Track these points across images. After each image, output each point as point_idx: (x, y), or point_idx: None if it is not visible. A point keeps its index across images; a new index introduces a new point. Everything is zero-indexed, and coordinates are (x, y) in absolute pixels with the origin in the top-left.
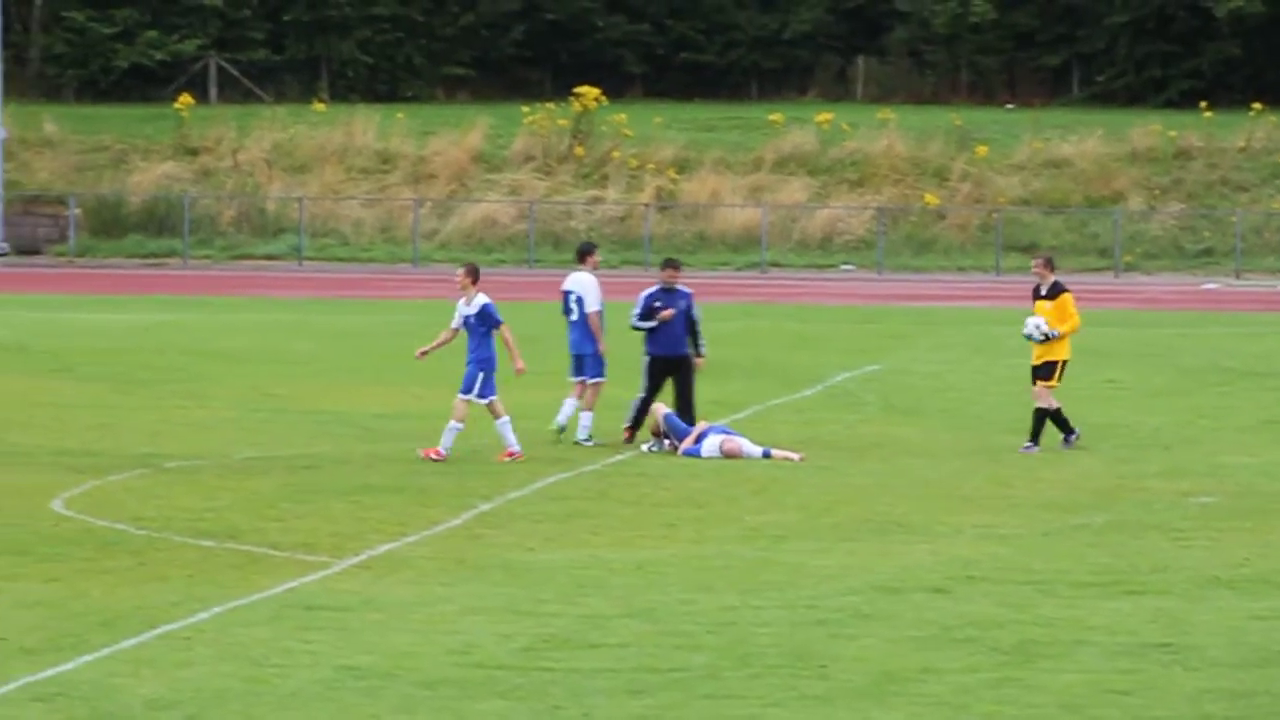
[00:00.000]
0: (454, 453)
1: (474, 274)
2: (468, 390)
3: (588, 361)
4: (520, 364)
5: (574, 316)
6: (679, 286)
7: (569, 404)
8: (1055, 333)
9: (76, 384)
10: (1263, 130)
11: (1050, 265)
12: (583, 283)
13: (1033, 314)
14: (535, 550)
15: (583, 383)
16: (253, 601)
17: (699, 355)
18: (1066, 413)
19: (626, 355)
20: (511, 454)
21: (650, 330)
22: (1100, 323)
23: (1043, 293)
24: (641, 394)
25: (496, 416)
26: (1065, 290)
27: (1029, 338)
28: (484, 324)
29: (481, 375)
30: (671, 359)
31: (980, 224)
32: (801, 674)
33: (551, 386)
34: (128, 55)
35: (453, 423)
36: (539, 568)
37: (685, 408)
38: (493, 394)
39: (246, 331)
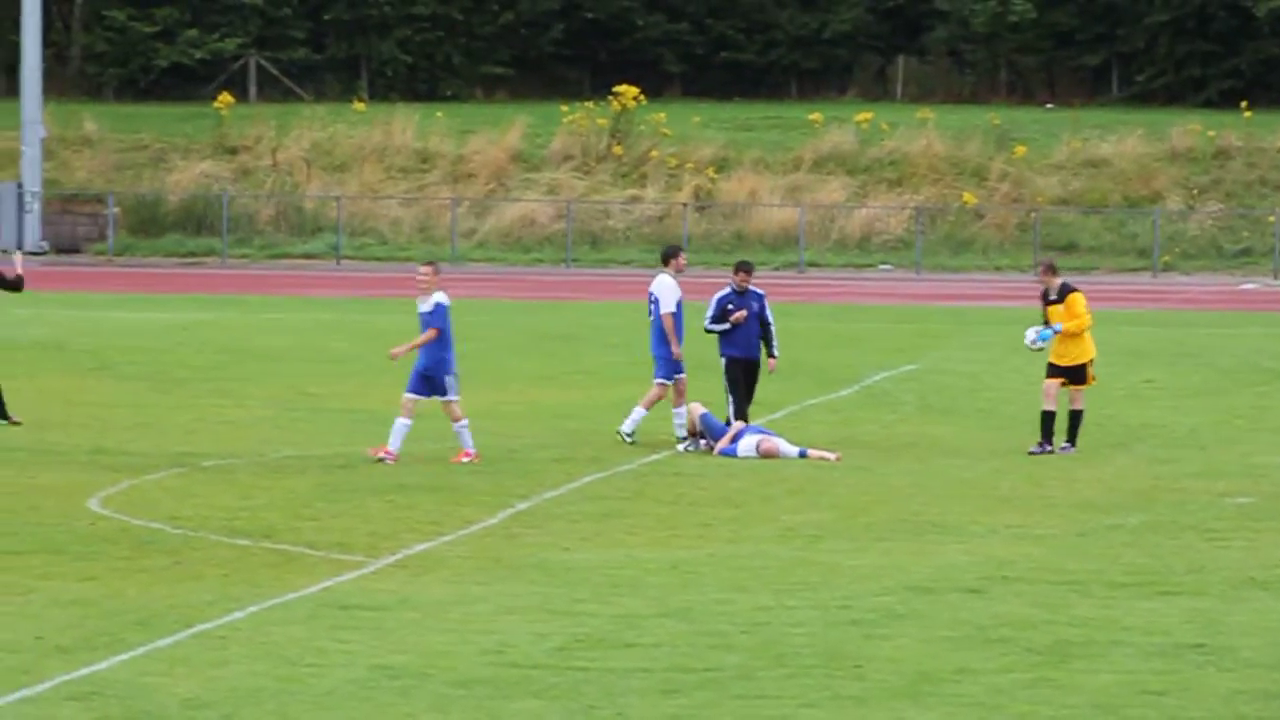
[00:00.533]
0: (490, 452)
1: (438, 271)
2: (444, 392)
3: (658, 363)
4: (398, 350)
5: (652, 318)
6: (751, 288)
7: (679, 412)
8: (1058, 326)
9: (114, 383)
10: None
11: (1053, 270)
12: (661, 285)
13: (1037, 325)
14: (571, 550)
15: (677, 382)
16: (288, 601)
17: (771, 356)
18: (1101, 415)
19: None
20: (388, 453)
21: (724, 332)
22: (1137, 323)
23: (1052, 297)
24: (731, 404)
25: (403, 415)
26: (1074, 290)
27: (1034, 344)
28: (435, 321)
29: (449, 377)
30: (749, 361)
31: (1018, 224)
32: (836, 674)
33: (583, 386)
34: (168, 54)
35: (455, 426)
36: (575, 567)
37: (741, 407)
38: (427, 394)
39: (284, 331)
